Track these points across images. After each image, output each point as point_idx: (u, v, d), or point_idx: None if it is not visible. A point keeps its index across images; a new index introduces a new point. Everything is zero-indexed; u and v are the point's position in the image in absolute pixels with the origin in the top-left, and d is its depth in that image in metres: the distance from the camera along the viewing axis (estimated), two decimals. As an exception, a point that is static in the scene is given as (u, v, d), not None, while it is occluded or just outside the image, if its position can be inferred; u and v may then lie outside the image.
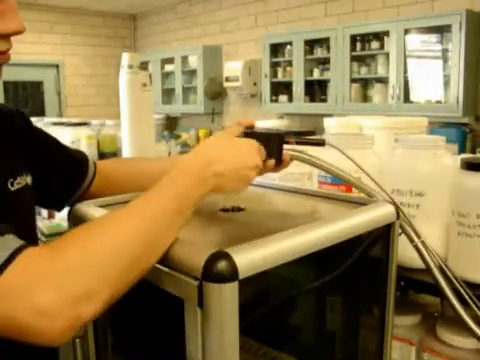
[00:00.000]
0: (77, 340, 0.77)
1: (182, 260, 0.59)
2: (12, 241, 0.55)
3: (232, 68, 5.70)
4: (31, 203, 0.85)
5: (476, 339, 0.82)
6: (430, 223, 1.00)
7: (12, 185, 0.76)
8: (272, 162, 0.78)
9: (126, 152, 1.81)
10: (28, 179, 0.81)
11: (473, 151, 3.76)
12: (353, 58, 4.58)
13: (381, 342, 0.85)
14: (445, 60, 4.03)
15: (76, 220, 0.80)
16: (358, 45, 4.54)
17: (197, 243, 0.66)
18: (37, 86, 7.05)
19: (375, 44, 4.46)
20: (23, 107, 6.41)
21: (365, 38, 4.53)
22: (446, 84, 3.99)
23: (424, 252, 0.84)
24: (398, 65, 4.18)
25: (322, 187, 1.12)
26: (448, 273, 0.86)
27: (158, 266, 0.61)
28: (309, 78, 5.01)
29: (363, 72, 4.61)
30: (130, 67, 1.74)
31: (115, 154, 2.67)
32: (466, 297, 0.85)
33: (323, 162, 0.86)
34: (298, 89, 5.04)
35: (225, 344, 0.56)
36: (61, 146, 0.96)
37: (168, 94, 6.78)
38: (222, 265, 0.54)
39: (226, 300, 0.55)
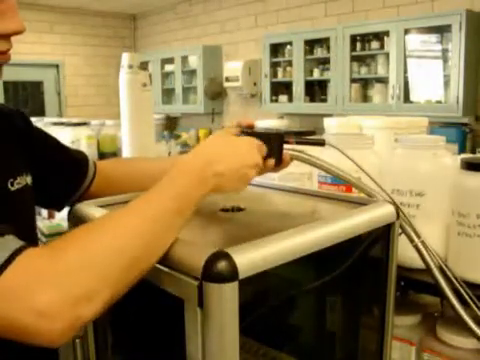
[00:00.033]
0: (77, 340, 0.77)
1: (182, 260, 0.59)
2: (12, 242, 0.55)
3: (232, 68, 5.69)
4: (31, 203, 0.85)
5: (476, 339, 0.82)
6: (430, 223, 1.00)
7: (12, 185, 0.76)
8: (272, 162, 0.78)
9: (126, 152, 1.81)
10: (28, 179, 0.81)
11: (473, 151, 3.76)
12: (353, 58, 4.58)
13: (381, 342, 0.85)
14: (445, 60, 4.03)
15: (76, 220, 0.80)
16: (358, 45, 4.54)
17: (197, 243, 0.66)
18: (37, 86, 7.05)
19: (375, 44, 4.46)
20: (23, 107, 6.41)
21: (365, 38, 4.53)
22: (446, 84, 3.99)
23: (424, 252, 0.84)
24: (398, 65, 4.18)
25: (322, 187, 1.12)
26: (448, 273, 0.86)
27: (158, 266, 0.61)
28: (309, 78, 5.01)
29: (363, 72, 4.60)
30: (130, 67, 1.74)
31: (115, 154, 2.67)
32: (466, 297, 0.85)
33: (323, 162, 0.86)
34: (298, 89, 5.04)
35: (225, 344, 0.56)
36: (61, 146, 0.96)
37: (168, 94, 6.77)
38: (222, 265, 0.54)
39: (226, 300, 0.55)
